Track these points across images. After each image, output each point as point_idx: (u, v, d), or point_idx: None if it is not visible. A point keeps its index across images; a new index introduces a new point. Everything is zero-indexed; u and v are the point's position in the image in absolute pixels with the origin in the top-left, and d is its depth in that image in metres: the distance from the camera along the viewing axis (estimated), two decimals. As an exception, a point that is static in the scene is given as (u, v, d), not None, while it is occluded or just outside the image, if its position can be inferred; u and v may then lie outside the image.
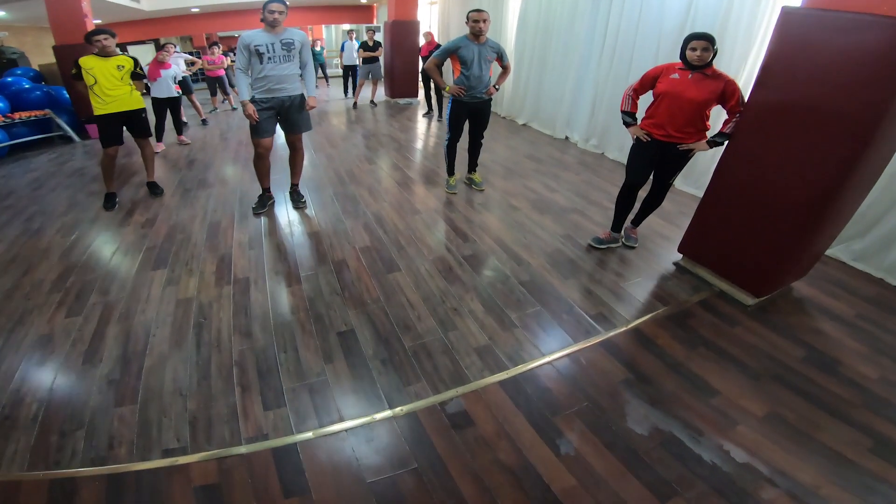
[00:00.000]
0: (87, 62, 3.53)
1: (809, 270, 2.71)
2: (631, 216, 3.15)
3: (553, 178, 4.49)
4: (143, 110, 3.89)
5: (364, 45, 8.06)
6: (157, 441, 1.74)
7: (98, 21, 9.76)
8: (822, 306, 2.59)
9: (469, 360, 2.12)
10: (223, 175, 4.71)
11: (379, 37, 9.09)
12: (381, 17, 13.05)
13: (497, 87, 3.69)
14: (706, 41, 2.38)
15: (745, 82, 3.52)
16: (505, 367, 2.08)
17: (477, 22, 3.35)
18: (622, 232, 3.16)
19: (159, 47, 6.60)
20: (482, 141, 4.04)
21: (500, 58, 3.61)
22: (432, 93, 7.46)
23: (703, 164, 3.95)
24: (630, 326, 2.37)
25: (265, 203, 3.74)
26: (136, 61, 3.76)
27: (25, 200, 4.13)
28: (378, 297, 2.56)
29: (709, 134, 2.61)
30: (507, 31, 6.97)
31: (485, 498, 1.52)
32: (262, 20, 3.10)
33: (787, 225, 2.27)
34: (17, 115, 6.12)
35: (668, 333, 2.33)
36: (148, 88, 5.64)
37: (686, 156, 2.68)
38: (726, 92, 2.42)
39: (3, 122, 5.92)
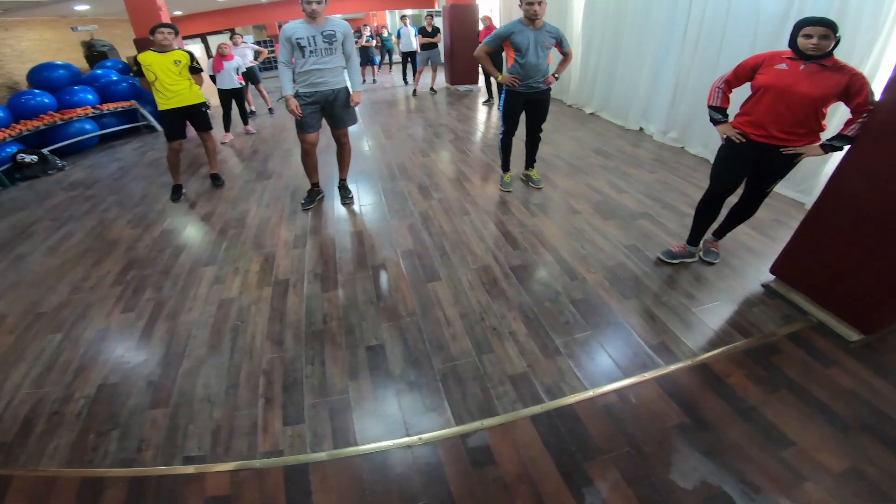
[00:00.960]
0: (146, 58, 3.74)
1: None
2: (714, 226, 2.78)
3: (622, 176, 4.13)
4: (204, 104, 4.10)
5: (422, 31, 8.00)
6: (181, 447, 1.81)
7: (178, 12, 10.54)
8: None
9: (502, 389, 1.97)
10: (281, 167, 4.89)
11: (438, 22, 8.95)
12: (443, 2, 12.90)
13: (557, 75, 3.42)
14: (826, 27, 1.94)
15: (871, 77, 2.93)
16: (541, 399, 1.91)
17: (532, 4, 3.08)
18: (700, 245, 2.80)
19: (232, 37, 6.99)
20: (541, 135, 3.79)
21: (560, 43, 3.33)
22: (492, 80, 7.24)
23: (812, 165, 3.37)
24: (696, 361, 2.07)
25: (314, 198, 3.82)
26: (191, 55, 3.95)
27: (106, 190, 4.57)
28: (414, 310, 2.48)
29: (824, 136, 2.17)
30: (574, 15, 6.54)
31: None
32: (302, 9, 3.05)
33: None
34: (105, 107, 6.79)
35: (744, 372, 2.01)
36: (214, 79, 6.02)
37: (791, 161, 2.24)
38: (851, 87, 1.97)
39: (94, 113, 6.59)
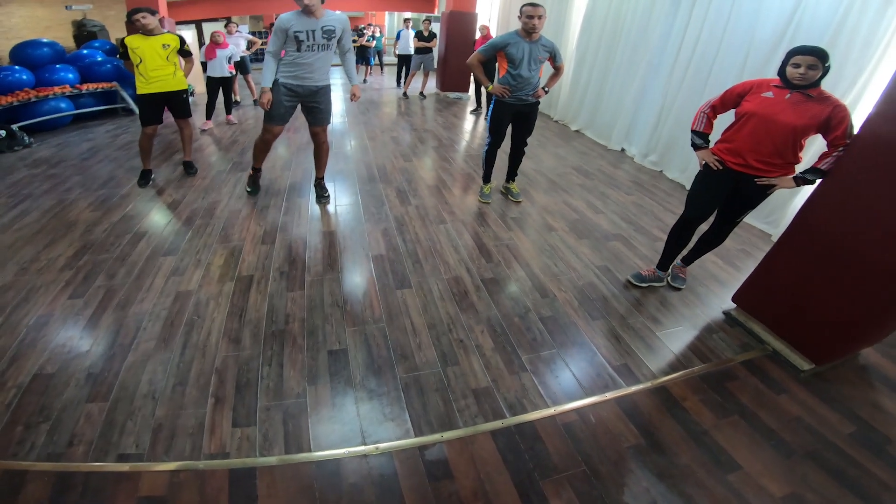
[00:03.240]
0: (133, 41, 3.64)
1: (885, 338, 2.32)
2: (683, 252, 2.84)
3: (600, 196, 4.20)
4: (185, 91, 3.99)
5: (419, 35, 8.02)
6: (116, 444, 1.71)
7: None
8: (889, 378, 2.23)
9: (464, 402, 1.95)
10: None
11: (436, 28, 9.02)
12: (443, 7, 13.02)
13: (547, 89, 3.46)
14: (815, 57, 2.00)
15: (853, 109, 3.06)
16: (502, 415, 1.90)
17: (531, 18, 3.11)
18: (669, 270, 2.85)
19: (229, 25, 6.87)
20: (525, 149, 3.83)
21: (553, 58, 3.38)
22: (482, 89, 7.31)
23: (782, 198, 3.52)
24: (656, 384, 2.11)
25: (254, 182, 3.86)
26: (182, 39, 3.86)
27: (71, 170, 4.37)
28: (380, 317, 2.44)
29: (798, 168, 2.25)
30: (571, 29, 6.69)
31: None
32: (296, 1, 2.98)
33: (874, 289, 1.94)
34: (84, 87, 6.59)
35: (700, 396, 2.05)
36: (205, 66, 5.89)
37: (764, 192, 2.31)
38: (832, 119, 2.03)
39: (71, 92, 6.37)
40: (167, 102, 3.93)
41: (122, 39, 3.67)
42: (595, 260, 3.10)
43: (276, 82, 3.18)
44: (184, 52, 3.87)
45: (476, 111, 7.48)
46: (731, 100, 2.33)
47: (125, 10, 10.49)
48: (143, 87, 3.75)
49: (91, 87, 6.68)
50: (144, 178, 4.02)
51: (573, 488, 1.62)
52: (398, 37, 9.12)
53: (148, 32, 3.65)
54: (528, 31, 3.18)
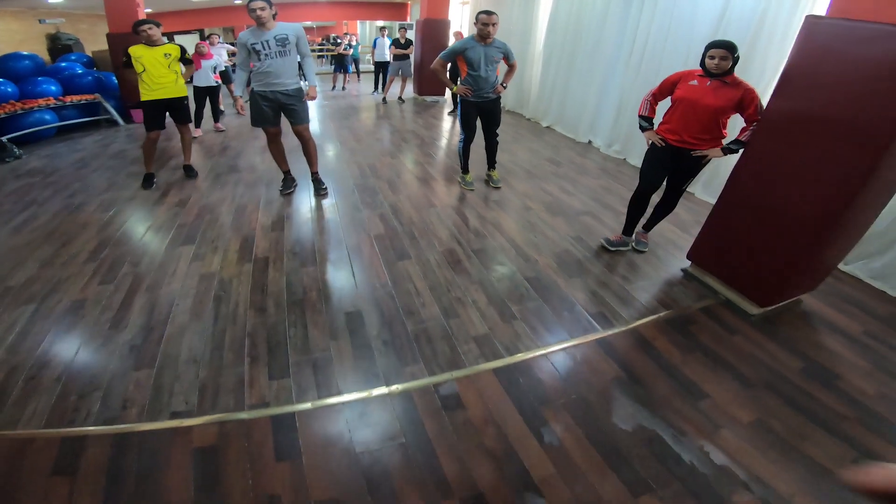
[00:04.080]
0: (136, 51, 3.74)
1: (819, 284, 2.64)
2: (643, 221, 3.14)
3: (571, 181, 4.48)
4: (186, 98, 4.10)
5: (396, 43, 8.17)
6: (167, 404, 1.85)
7: (149, 10, 10.20)
8: (830, 321, 2.53)
9: (467, 346, 2.18)
10: (253, 162, 4.88)
11: (411, 35, 9.15)
12: (415, 15, 13.15)
13: (505, 85, 3.73)
14: (725, 49, 2.34)
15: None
16: (501, 356, 2.13)
17: (486, 25, 3.36)
18: (633, 236, 3.15)
19: (203, 37, 6.89)
20: (497, 140, 4.08)
21: (507, 57, 3.63)
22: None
23: (721, 170, 3.87)
24: (629, 327, 2.37)
25: (290, 185, 3.93)
26: (182, 49, 3.97)
27: (69, 178, 4.39)
28: (387, 283, 2.65)
29: (725, 142, 2.57)
30: (537, 34, 6.95)
31: (464, 479, 1.58)
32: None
33: (795, 237, 2.23)
34: (68, 99, 6.49)
35: (667, 337, 2.32)
36: (190, 77, 5.93)
37: (700, 162, 2.65)
38: (744, 100, 2.38)
39: (55, 104, 6.29)
40: (169, 108, 4.02)
41: (126, 49, 3.75)
42: (569, 232, 3.37)
43: (252, 91, 3.37)
44: (185, 59, 3.99)
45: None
46: (666, 88, 2.65)
47: (96, 24, 10.31)
48: (146, 94, 3.84)
49: (74, 98, 6.59)
50: (148, 180, 4.09)
51: (569, 413, 1.85)
52: (374, 45, 9.24)
53: (151, 43, 3.75)
54: (483, 36, 3.43)
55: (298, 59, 3.43)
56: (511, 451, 1.68)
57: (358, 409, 1.85)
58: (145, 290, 2.55)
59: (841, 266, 3.00)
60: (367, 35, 17.67)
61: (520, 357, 2.12)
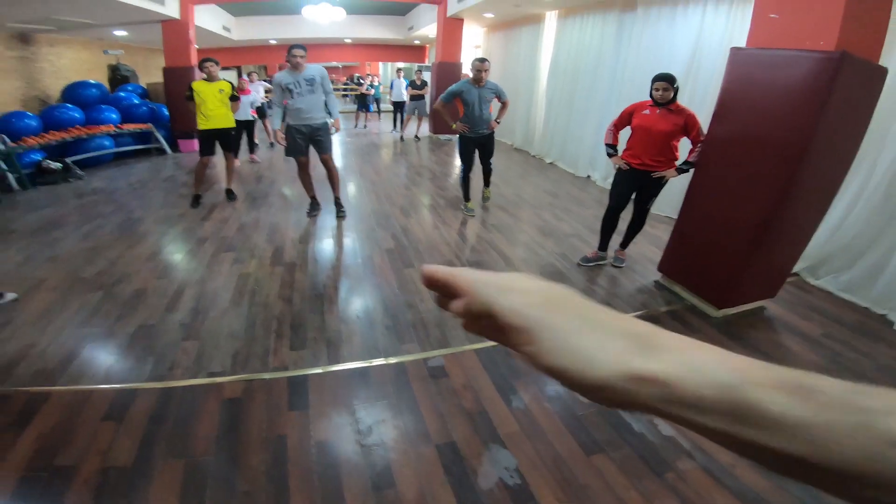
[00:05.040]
0: (198, 86, 4.38)
1: (778, 291, 2.90)
2: (619, 238, 3.48)
3: (564, 210, 4.87)
4: (234, 129, 4.73)
5: (412, 84, 8.84)
6: (206, 366, 2.24)
7: (196, 47, 11.25)
8: (790, 325, 2.77)
9: (456, 333, 2.52)
10: (283, 190, 5.45)
11: (426, 76, 9.71)
12: (433, 58, 14.04)
13: (498, 121, 4.20)
14: (666, 82, 2.77)
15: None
16: (483, 340, 2.47)
17: (479, 71, 3.90)
18: (611, 253, 3.48)
19: (240, 74, 7.59)
20: (491, 166, 4.55)
21: (499, 96, 4.11)
22: None
23: (681, 189, 4.19)
24: (598, 324, 2.69)
25: (315, 209, 4.42)
26: (233, 86, 4.61)
27: (128, 197, 5.03)
28: (393, 284, 3.04)
29: (677, 163, 2.95)
30: (540, 77, 7.55)
31: (443, 430, 1.88)
32: (287, 61, 3.77)
33: (738, 244, 2.55)
34: (125, 127, 7.13)
35: (632, 333, 2.63)
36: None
37: (660, 182, 3.02)
38: (687, 124, 2.79)
39: (114, 131, 6.95)
40: (219, 137, 4.60)
41: (190, 84, 4.40)
42: (556, 250, 3.73)
43: (288, 126, 3.91)
44: (233, 96, 4.59)
45: None
46: (625, 118, 3.07)
47: (150, 57, 11.11)
48: (203, 124, 4.45)
49: (131, 127, 7.21)
50: (196, 200, 4.66)
51: (536, 386, 2.15)
52: (392, 86, 9.92)
53: (211, 78, 4.39)
54: (477, 80, 3.96)
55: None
56: (483, 412, 1.99)
57: (359, 375, 2.20)
58: (194, 283, 3.02)
59: (812, 280, 3.25)
60: (388, 76, 18.31)
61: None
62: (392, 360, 2.30)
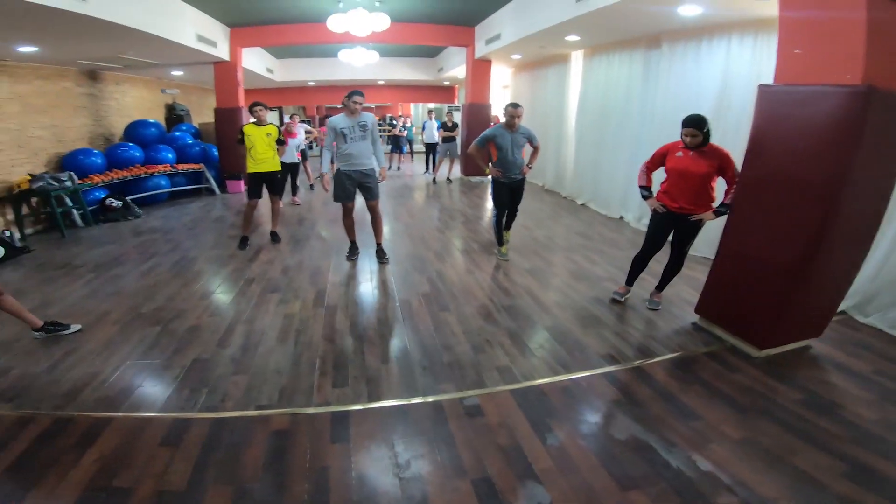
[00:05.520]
0: (248, 129, 4.76)
1: (824, 330, 2.85)
2: (653, 280, 3.52)
3: (598, 252, 4.93)
4: (280, 172, 5.08)
5: (444, 126, 9.18)
6: (255, 399, 2.41)
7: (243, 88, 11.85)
8: (839, 363, 2.71)
9: (490, 374, 2.61)
10: (325, 232, 5.79)
11: (457, 117, 10.02)
12: (462, 98, 14.56)
13: (530, 166, 4.35)
14: (694, 128, 2.83)
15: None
16: (518, 381, 2.54)
17: (513, 117, 4.09)
18: (644, 293, 3.53)
19: (281, 115, 8.07)
20: (517, 212, 4.68)
21: (531, 140, 4.28)
22: None
23: (717, 231, 4.14)
24: (634, 365, 2.71)
25: (354, 252, 4.62)
26: (279, 130, 4.98)
27: (182, 236, 5.49)
28: (430, 327, 3.18)
29: (714, 205, 3.01)
30: (568, 117, 7.72)
31: (478, 466, 1.94)
32: (343, 105, 4.00)
33: (777, 284, 2.56)
34: (180, 167, 7.67)
35: (668, 373, 2.63)
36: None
37: (698, 225, 3.08)
38: (722, 165, 2.85)
39: (169, 171, 7.47)
40: (266, 181, 4.92)
41: (241, 127, 4.78)
42: (589, 294, 3.78)
43: (338, 171, 4.13)
44: (279, 140, 4.94)
45: None
46: (657, 159, 3.16)
47: (202, 97, 11.69)
48: (252, 167, 4.80)
49: (184, 167, 7.72)
50: (244, 242, 4.97)
51: (570, 423, 2.21)
52: (423, 127, 10.31)
53: (260, 122, 4.77)
54: (510, 125, 4.15)
55: None
56: (518, 448, 2.04)
57: (398, 412, 2.31)
58: (243, 321, 3.27)
59: (860, 318, 3.17)
60: (419, 116, 18.67)
61: (533, 382, 2.53)
62: (429, 399, 2.40)
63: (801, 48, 2.42)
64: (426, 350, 2.88)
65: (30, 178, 5.66)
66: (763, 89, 2.59)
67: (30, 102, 6.18)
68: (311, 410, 2.33)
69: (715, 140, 3.03)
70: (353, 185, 4.20)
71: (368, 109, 4.12)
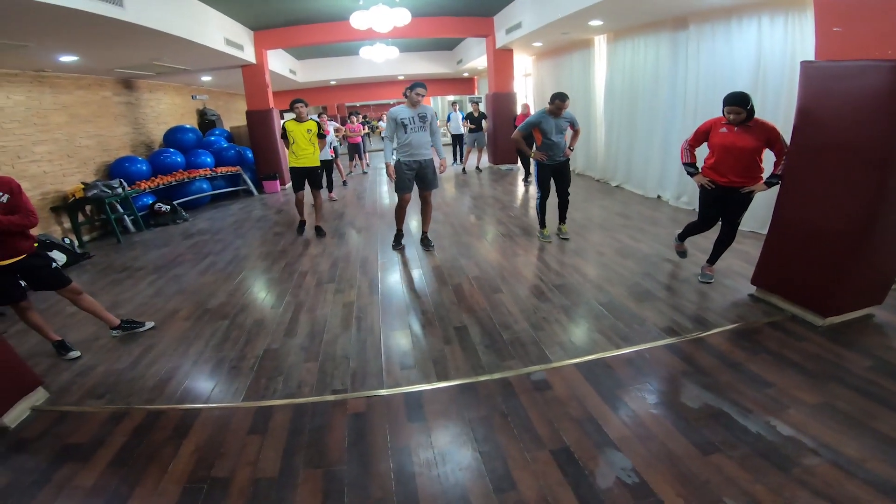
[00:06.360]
0: (290, 126, 5.00)
1: (885, 297, 2.82)
2: (703, 255, 3.53)
3: (640, 231, 4.92)
4: (319, 167, 5.31)
5: (469, 117, 9.23)
6: (329, 385, 2.54)
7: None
8: None
9: (552, 349, 2.69)
10: (364, 225, 5.95)
11: (482, 107, 10.02)
12: (482, 89, 14.47)
13: (571, 148, 4.44)
14: (738, 106, 2.82)
15: None
16: (581, 355, 2.61)
17: (559, 108, 4.19)
18: (695, 267, 3.54)
19: (322, 115, 8.21)
20: (568, 198, 4.70)
21: (573, 124, 4.39)
22: (529, 159, 8.27)
23: (767, 204, 4.08)
24: (696, 336, 2.74)
25: (399, 241, 4.75)
26: (318, 124, 5.19)
27: (231, 236, 5.73)
28: (485, 307, 3.28)
29: (764, 176, 3.00)
30: (596, 100, 7.70)
31: (555, 437, 2.02)
32: (404, 96, 4.16)
33: (835, 251, 2.57)
34: (219, 170, 7.96)
35: (732, 343, 2.65)
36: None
37: (749, 197, 3.07)
38: (770, 139, 2.86)
39: (209, 174, 7.78)
40: (307, 175, 5.18)
41: (284, 124, 5.01)
42: (639, 269, 3.80)
43: (398, 161, 4.25)
44: (320, 134, 5.17)
45: (526, 179, 8.40)
46: (700, 136, 3.16)
47: (230, 101, 11.99)
48: (293, 162, 5.07)
49: (223, 170, 8.01)
50: (301, 226, 5.34)
51: (640, 394, 2.27)
52: (448, 119, 10.43)
53: (300, 119, 4.98)
54: (555, 113, 4.23)
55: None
56: (591, 418, 2.12)
57: (467, 389, 2.41)
58: (306, 311, 3.43)
59: None
60: (440, 109, 18.80)
61: (596, 356, 2.60)
62: (496, 376, 2.50)
63: (839, 25, 2.48)
64: (486, 329, 2.98)
65: (83, 186, 5.98)
66: (806, 65, 2.64)
67: (75, 113, 6.48)
68: (384, 392, 2.46)
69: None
70: (412, 175, 4.32)
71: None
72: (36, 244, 4.66)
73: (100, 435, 2.26)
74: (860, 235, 2.47)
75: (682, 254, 3.72)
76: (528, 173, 8.41)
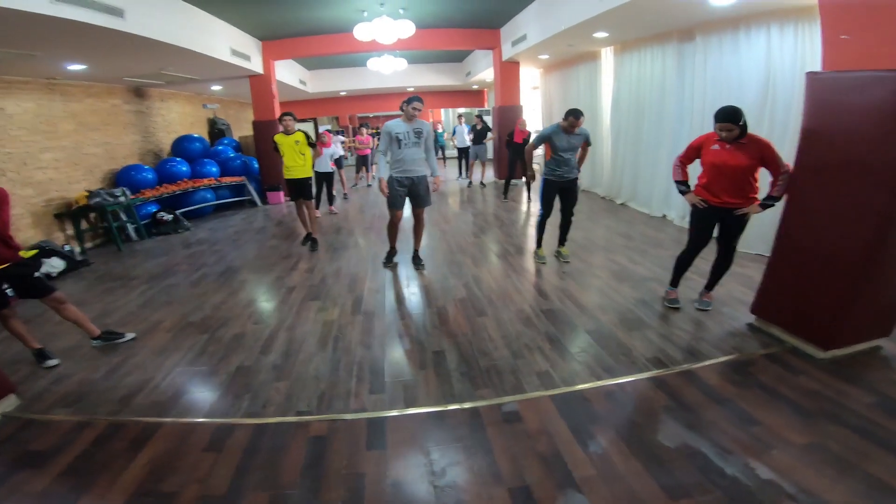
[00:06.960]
0: (279, 139, 5.13)
1: (893, 328, 2.64)
2: (701, 279, 3.37)
3: (640, 253, 4.77)
4: (309, 178, 5.38)
5: (473, 129, 9.17)
6: (295, 405, 2.48)
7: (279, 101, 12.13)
8: None
9: (529, 379, 2.58)
10: (362, 240, 5.92)
11: (487, 120, 9.92)
12: (492, 101, 14.45)
13: (578, 169, 4.31)
14: (728, 122, 2.68)
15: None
16: (558, 386, 2.50)
17: (572, 125, 4.05)
18: (692, 294, 3.39)
19: (316, 126, 8.38)
20: (572, 218, 4.55)
21: (586, 141, 4.25)
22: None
23: (771, 225, 3.92)
24: (683, 368, 2.60)
25: (391, 258, 4.68)
26: (306, 134, 5.25)
27: (228, 247, 5.79)
28: (467, 332, 3.18)
29: (760, 197, 2.85)
30: (602, 115, 7.55)
31: (516, 474, 1.91)
32: (401, 110, 4.08)
33: (842, 278, 2.41)
34: (224, 180, 8.08)
35: (722, 377, 2.50)
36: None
37: (744, 219, 2.93)
38: (765, 156, 2.70)
39: (214, 184, 7.87)
40: (298, 186, 5.27)
41: (273, 137, 5.13)
42: (633, 295, 3.66)
43: (390, 177, 4.15)
44: (311, 143, 5.22)
45: (530, 197, 8.07)
46: (692, 152, 3.03)
47: (240, 111, 12.22)
48: (286, 174, 5.22)
49: (227, 180, 8.12)
50: (306, 238, 5.41)
51: (615, 430, 2.14)
52: (454, 132, 10.41)
53: (287, 132, 5.06)
54: (568, 129, 4.10)
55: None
56: (558, 455, 2.00)
57: (434, 418, 2.32)
58: (285, 329, 3.39)
59: None
60: (450, 121, 18.61)
61: (574, 388, 2.47)
62: (466, 405, 2.40)
63: (846, 33, 2.35)
64: (463, 356, 2.88)
65: (87, 194, 6.12)
66: (812, 76, 2.51)
67: (84, 120, 6.65)
68: (349, 416, 2.38)
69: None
70: (403, 192, 4.23)
71: (398, 116, 4.18)
72: (35, 251, 4.79)
73: (60, 443, 2.26)
74: (868, 261, 2.32)
75: (674, 301, 3.38)
76: (528, 191, 8.12)
